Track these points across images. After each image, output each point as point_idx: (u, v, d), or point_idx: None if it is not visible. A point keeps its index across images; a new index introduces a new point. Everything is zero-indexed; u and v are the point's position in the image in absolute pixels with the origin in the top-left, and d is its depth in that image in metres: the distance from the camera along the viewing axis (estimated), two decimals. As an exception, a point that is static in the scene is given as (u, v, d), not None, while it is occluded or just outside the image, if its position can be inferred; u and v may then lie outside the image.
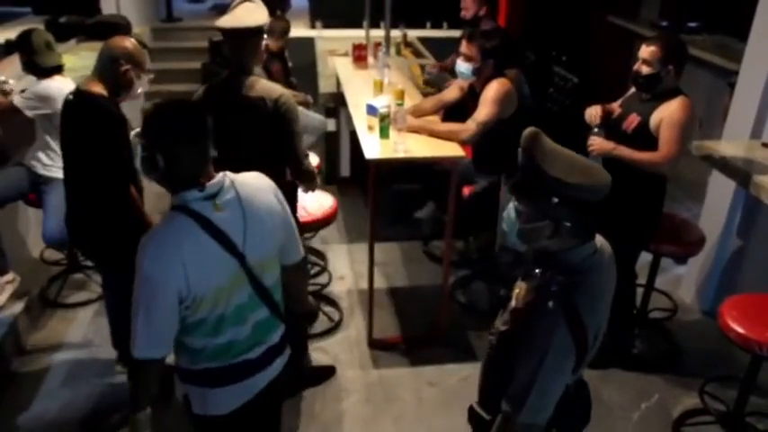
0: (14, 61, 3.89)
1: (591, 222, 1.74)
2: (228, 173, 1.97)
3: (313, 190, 3.13)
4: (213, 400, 2.05)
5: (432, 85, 4.81)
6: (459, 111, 3.93)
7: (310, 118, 4.89)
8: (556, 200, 1.68)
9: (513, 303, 1.87)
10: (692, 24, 6.45)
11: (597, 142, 3.22)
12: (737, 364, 3.40)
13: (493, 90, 3.60)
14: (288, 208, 2.14)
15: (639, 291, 3.68)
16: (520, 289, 1.86)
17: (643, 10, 7.28)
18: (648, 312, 3.80)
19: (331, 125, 5.50)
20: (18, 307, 3.74)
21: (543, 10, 7.02)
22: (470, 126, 3.56)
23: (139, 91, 2.97)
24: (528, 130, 1.74)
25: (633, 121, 3.20)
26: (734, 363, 3.51)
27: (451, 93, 3.96)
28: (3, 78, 3.85)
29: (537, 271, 1.79)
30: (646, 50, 3.13)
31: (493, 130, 3.58)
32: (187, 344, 1.98)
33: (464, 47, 3.66)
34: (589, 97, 5.57)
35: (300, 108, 5.02)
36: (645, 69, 3.13)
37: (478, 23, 4.85)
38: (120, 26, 5.59)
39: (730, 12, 5.96)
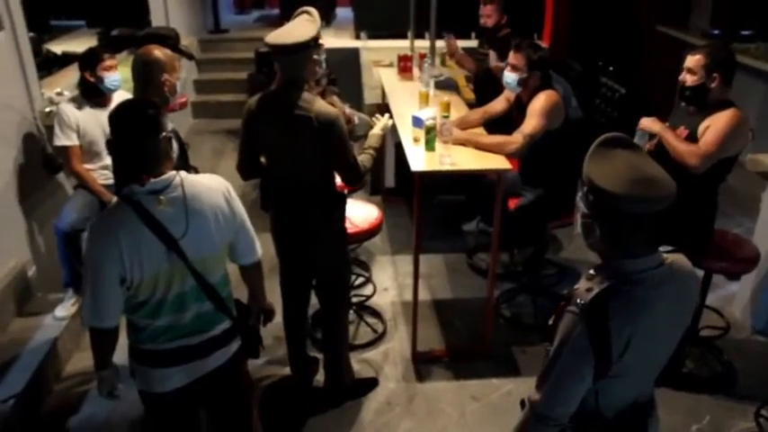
0: (69, 73, 4.00)
1: (631, 234, 1.67)
2: (182, 172, 2.13)
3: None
4: (153, 379, 2.24)
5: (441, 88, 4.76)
6: (502, 122, 3.92)
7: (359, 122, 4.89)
8: (591, 197, 1.69)
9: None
10: (746, 32, 6.29)
11: (647, 121, 3.21)
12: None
13: (540, 102, 3.57)
14: (240, 209, 2.29)
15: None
16: None
17: (693, 18, 7.14)
18: (699, 330, 3.70)
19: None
20: (75, 308, 3.81)
21: (590, 19, 6.94)
22: (517, 138, 3.53)
23: (179, 91, 3.09)
24: (609, 134, 1.76)
25: (682, 133, 3.14)
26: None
27: (498, 104, 3.94)
28: (59, 90, 3.98)
29: (591, 272, 1.77)
30: (690, 59, 3.09)
31: (540, 143, 3.54)
32: (133, 322, 2.19)
33: (512, 57, 3.64)
34: (637, 108, 5.51)
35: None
36: (689, 79, 3.08)
37: (499, 32, 4.84)
38: (169, 38, 5.71)
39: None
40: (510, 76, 3.65)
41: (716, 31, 6.53)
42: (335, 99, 4.96)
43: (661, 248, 1.77)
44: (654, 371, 1.86)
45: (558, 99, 3.62)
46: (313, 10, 2.89)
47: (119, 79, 3.76)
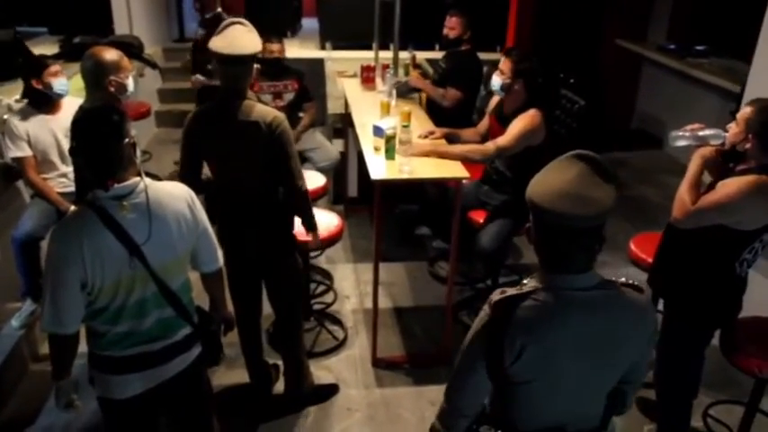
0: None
1: (552, 247, 1.67)
2: (147, 179, 2.13)
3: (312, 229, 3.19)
4: (113, 385, 2.23)
5: (401, 96, 4.78)
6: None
7: (328, 150, 4.95)
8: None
9: None
10: (699, 48, 6.49)
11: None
12: (742, 388, 3.38)
13: (521, 124, 3.61)
14: (203, 217, 2.30)
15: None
16: None
17: (651, 33, 7.34)
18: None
19: (339, 146, 5.55)
20: (32, 318, 3.76)
21: (551, 32, 7.09)
22: (489, 148, 3.62)
23: (131, 89, 3.11)
24: (582, 151, 1.72)
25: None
26: (738, 387, 3.49)
27: (485, 123, 4.06)
28: (17, 97, 3.94)
29: (527, 279, 1.76)
30: (742, 110, 2.61)
31: (520, 155, 3.63)
32: (93, 328, 2.18)
33: (501, 61, 3.72)
34: (596, 120, 5.63)
35: (322, 138, 5.10)
36: (732, 130, 2.62)
37: (459, 45, 4.90)
38: (132, 46, 5.68)
39: (737, 34, 5.99)
40: (495, 80, 3.73)
41: (671, 46, 6.73)
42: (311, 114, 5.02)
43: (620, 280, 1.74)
44: (580, 402, 1.78)
45: (538, 121, 3.63)
46: (246, 21, 2.91)
47: (66, 84, 3.75)
